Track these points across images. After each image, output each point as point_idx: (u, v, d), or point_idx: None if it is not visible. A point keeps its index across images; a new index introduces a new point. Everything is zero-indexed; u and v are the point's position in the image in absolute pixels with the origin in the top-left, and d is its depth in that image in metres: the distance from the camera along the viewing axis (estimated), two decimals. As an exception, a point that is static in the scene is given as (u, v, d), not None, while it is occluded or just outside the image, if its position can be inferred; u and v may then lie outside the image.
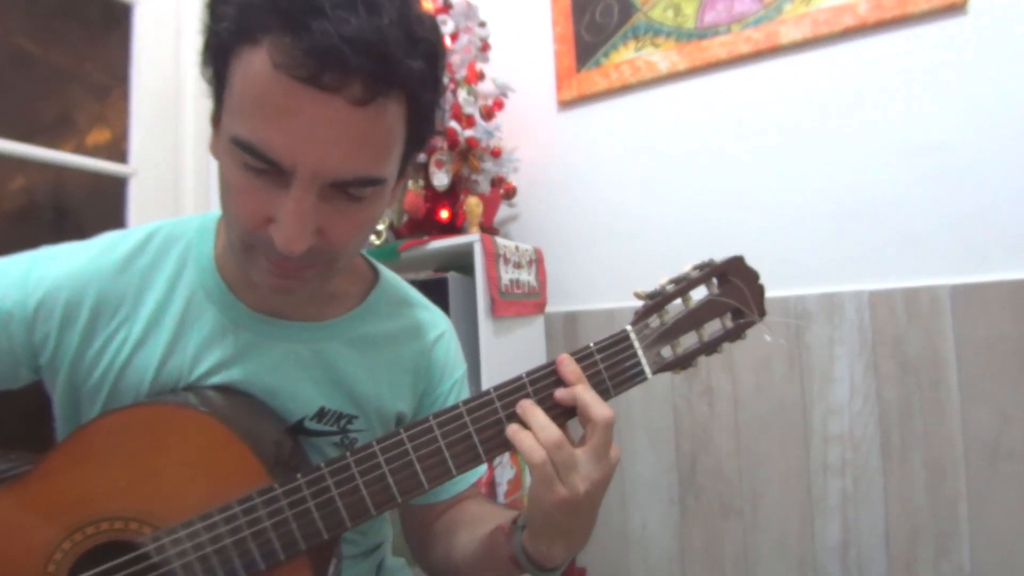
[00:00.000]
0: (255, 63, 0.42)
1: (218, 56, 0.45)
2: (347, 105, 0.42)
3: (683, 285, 0.54)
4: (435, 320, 0.70)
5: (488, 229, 1.34)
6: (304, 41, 0.40)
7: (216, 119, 0.49)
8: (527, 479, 1.24)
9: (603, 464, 0.48)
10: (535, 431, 0.48)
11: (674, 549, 1.30)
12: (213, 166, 1.34)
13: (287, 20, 0.40)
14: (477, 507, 0.67)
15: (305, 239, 0.45)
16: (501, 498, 1.14)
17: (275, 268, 0.48)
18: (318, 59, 0.40)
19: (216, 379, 0.56)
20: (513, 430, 0.49)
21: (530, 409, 0.49)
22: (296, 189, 0.44)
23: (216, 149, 0.50)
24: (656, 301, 0.54)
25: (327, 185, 0.45)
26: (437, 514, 0.67)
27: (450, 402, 0.67)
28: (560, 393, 0.50)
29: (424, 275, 1.20)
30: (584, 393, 0.49)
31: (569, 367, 0.50)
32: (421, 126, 0.49)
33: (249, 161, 0.44)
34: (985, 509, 1.03)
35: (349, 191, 0.46)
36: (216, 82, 0.47)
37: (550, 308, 1.43)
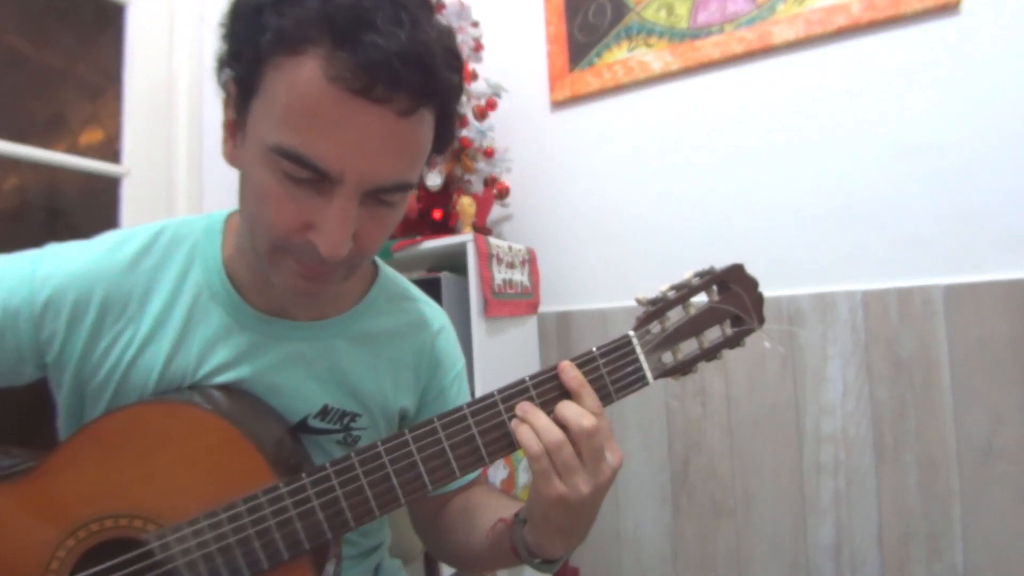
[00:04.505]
0: (303, 74, 0.42)
1: (252, 65, 0.45)
2: (393, 116, 0.44)
3: (684, 292, 0.54)
4: (434, 314, 0.71)
5: (481, 229, 1.34)
6: (359, 55, 0.41)
7: (236, 126, 0.49)
8: (520, 479, 1.24)
9: (601, 469, 0.49)
10: (537, 431, 0.49)
11: (667, 549, 1.29)
12: (206, 165, 1.34)
13: (339, 34, 0.41)
14: (484, 496, 0.68)
15: (347, 244, 0.46)
16: (494, 498, 1.14)
17: (305, 271, 0.49)
18: (371, 72, 0.41)
19: (220, 379, 0.56)
20: (516, 423, 0.50)
21: (531, 411, 0.50)
22: (341, 197, 0.45)
23: (239, 157, 0.50)
24: (658, 307, 0.54)
25: (367, 192, 0.46)
26: (444, 502, 0.68)
27: (452, 395, 0.68)
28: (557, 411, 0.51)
29: (417, 275, 1.20)
30: (564, 409, 0.50)
31: (570, 374, 0.51)
32: (446, 133, 0.51)
33: (292, 170, 0.44)
34: (978, 509, 1.03)
35: (382, 197, 0.48)
36: (242, 90, 0.46)
37: (543, 308, 1.43)
